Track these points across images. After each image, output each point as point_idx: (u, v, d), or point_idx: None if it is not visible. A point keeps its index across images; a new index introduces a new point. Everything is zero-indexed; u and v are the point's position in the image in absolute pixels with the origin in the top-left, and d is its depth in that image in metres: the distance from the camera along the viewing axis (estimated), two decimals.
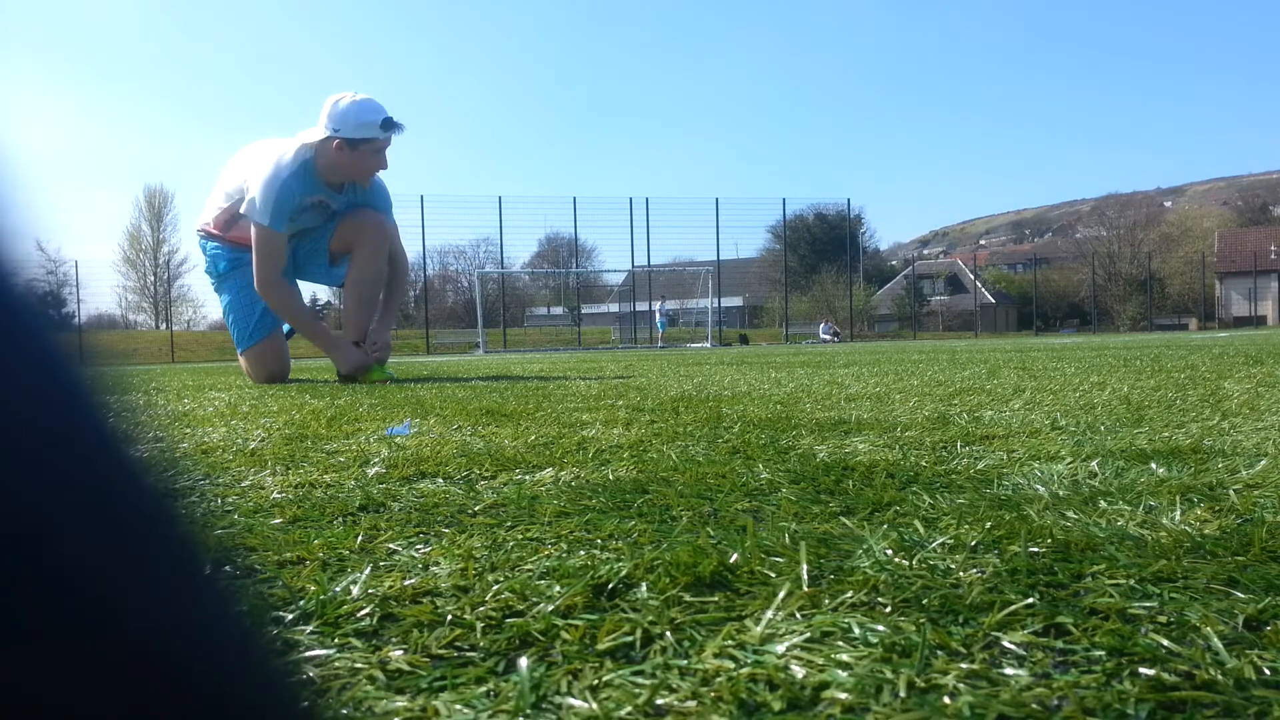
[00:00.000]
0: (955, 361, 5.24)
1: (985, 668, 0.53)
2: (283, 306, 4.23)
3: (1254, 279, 41.98)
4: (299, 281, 4.53)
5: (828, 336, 30.89)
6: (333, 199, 4.22)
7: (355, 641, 0.61)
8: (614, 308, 43.07)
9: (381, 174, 4.24)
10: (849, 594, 0.66)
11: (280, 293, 4.18)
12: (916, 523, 0.88)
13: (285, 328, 4.53)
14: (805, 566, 0.72)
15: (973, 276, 49.10)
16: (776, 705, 0.48)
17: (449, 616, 0.64)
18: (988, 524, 0.86)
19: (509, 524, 0.95)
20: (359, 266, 4.26)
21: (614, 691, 0.51)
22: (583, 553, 0.82)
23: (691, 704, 0.49)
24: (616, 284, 42.74)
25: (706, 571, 0.71)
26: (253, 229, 4.06)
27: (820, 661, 0.54)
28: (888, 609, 0.63)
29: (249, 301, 4.36)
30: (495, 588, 0.70)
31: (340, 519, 1.01)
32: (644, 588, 0.69)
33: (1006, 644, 0.56)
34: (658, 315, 30.22)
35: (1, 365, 0.20)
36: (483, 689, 0.52)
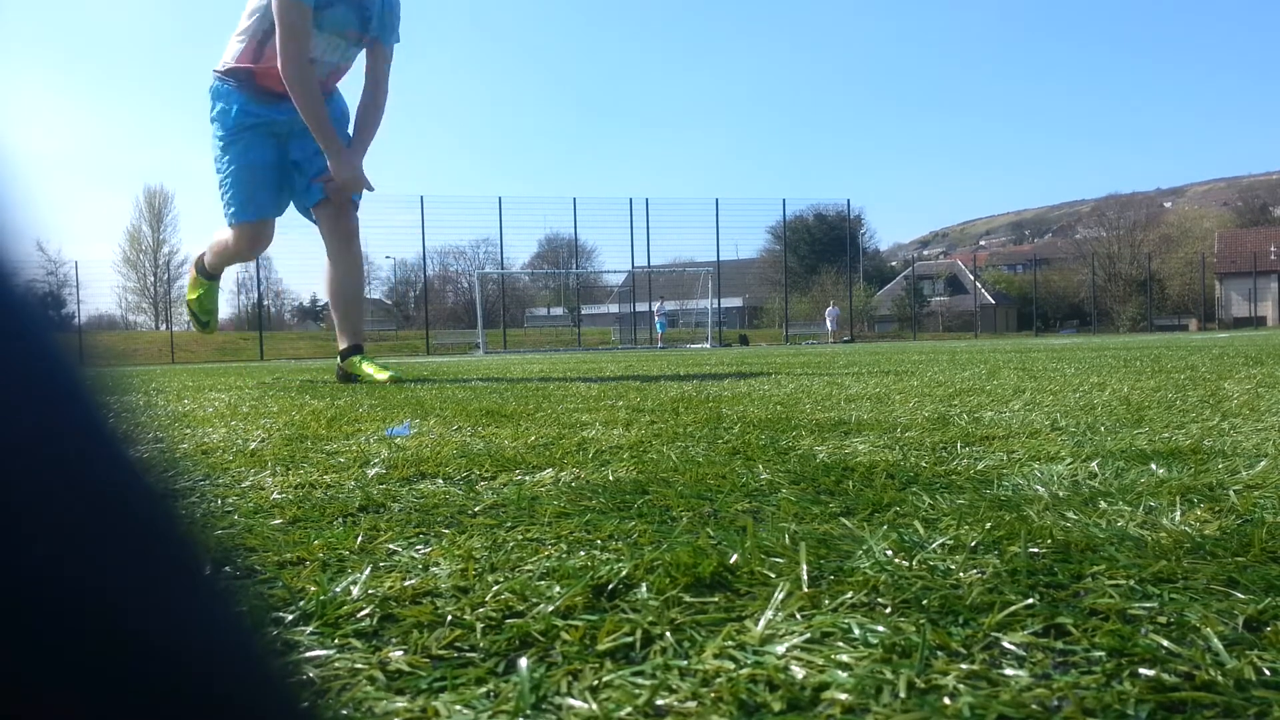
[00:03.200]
0: (955, 362, 5.24)
1: (985, 668, 0.53)
2: (306, 93, 4.00)
3: (1254, 279, 42.00)
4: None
5: (831, 324, 30.94)
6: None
7: (355, 642, 0.61)
8: (614, 308, 43.08)
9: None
10: (849, 594, 0.66)
11: (306, 76, 3.99)
12: (916, 523, 0.88)
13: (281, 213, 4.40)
14: (805, 567, 0.72)
15: (972, 277, 49.13)
16: (776, 706, 0.48)
17: (449, 617, 0.64)
18: (988, 524, 0.86)
19: (509, 524, 0.95)
20: (337, 276, 4.24)
21: (614, 692, 0.51)
22: (583, 553, 0.81)
23: (691, 704, 0.49)
24: (616, 285, 42.74)
25: (706, 572, 0.71)
26: (274, 6, 3.89)
27: (820, 662, 0.54)
28: (888, 609, 0.63)
29: (253, 175, 4.19)
30: (495, 588, 0.70)
31: (340, 519, 1.01)
32: (644, 588, 0.69)
33: (1006, 644, 0.56)
34: (657, 316, 30.22)
35: (1, 365, 0.20)
36: (483, 689, 0.52)
